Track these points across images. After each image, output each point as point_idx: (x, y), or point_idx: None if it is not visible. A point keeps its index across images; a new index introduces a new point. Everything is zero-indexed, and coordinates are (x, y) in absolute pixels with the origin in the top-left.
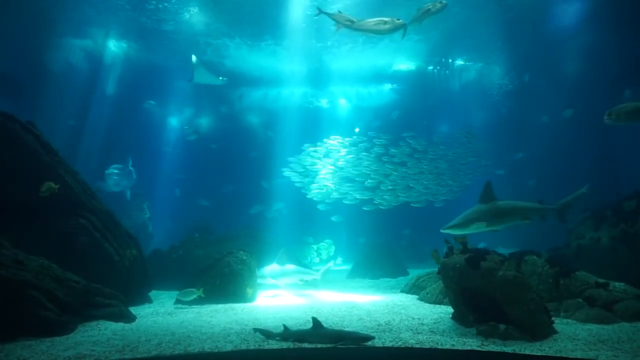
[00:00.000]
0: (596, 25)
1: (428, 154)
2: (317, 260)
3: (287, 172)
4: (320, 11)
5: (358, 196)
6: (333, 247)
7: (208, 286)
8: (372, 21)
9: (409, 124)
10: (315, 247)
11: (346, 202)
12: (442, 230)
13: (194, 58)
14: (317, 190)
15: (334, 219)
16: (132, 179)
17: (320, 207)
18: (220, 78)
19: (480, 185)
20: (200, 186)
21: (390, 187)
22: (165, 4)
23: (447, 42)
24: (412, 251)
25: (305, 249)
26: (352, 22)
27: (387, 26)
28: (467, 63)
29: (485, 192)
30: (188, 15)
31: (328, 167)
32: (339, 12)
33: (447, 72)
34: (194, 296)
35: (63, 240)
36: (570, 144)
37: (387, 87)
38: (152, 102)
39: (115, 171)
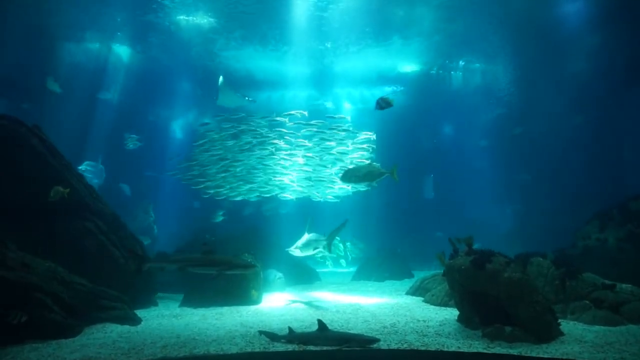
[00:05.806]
0: (601, 27)
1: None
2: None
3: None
4: None
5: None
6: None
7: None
8: None
9: (413, 127)
10: (341, 246)
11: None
12: (287, 249)
13: (220, 79)
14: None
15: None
16: (102, 177)
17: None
18: (247, 98)
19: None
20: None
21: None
22: (168, 7)
23: (452, 44)
24: (417, 253)
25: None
26: None
27: None
28: (471, 65)
29: (309, 225)
30: (190, 18)
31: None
32: None
33: (450, 73)
34: None
35: (68, 243)
36: (574, 146)
37: (391, 89)
38: (107, 94)
39: (89, 168)
